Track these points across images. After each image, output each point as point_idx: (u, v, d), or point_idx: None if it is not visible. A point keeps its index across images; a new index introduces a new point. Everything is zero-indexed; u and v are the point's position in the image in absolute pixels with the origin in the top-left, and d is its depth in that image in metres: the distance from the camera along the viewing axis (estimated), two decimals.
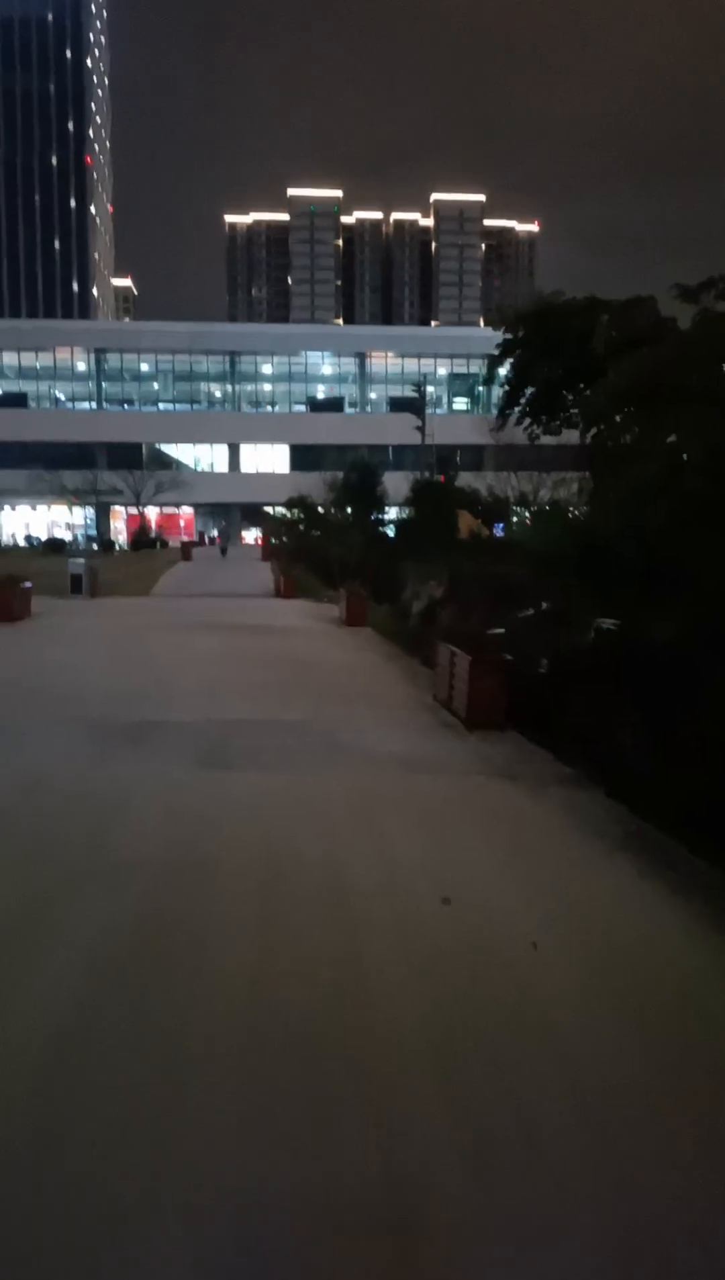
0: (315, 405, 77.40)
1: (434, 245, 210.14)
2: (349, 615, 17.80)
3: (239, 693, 10.62)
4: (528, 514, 30.94)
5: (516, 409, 11.53)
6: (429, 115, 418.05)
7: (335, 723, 9.07)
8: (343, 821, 6.06)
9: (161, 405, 77.89)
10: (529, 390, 11.35)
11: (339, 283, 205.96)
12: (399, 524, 41.23)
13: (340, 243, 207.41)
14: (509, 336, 11.28)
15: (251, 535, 71.86)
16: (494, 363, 11.65)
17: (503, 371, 11.67)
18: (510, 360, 11.48)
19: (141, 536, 62.25)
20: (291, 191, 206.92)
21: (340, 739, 8.41)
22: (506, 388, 11.58)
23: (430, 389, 63.74)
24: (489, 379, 11.87)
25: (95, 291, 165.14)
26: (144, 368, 77.64)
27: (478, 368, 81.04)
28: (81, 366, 77.21)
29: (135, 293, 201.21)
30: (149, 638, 15.67)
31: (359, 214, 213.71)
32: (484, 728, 8.90)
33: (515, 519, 31.92)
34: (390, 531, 39.26)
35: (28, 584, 19.96)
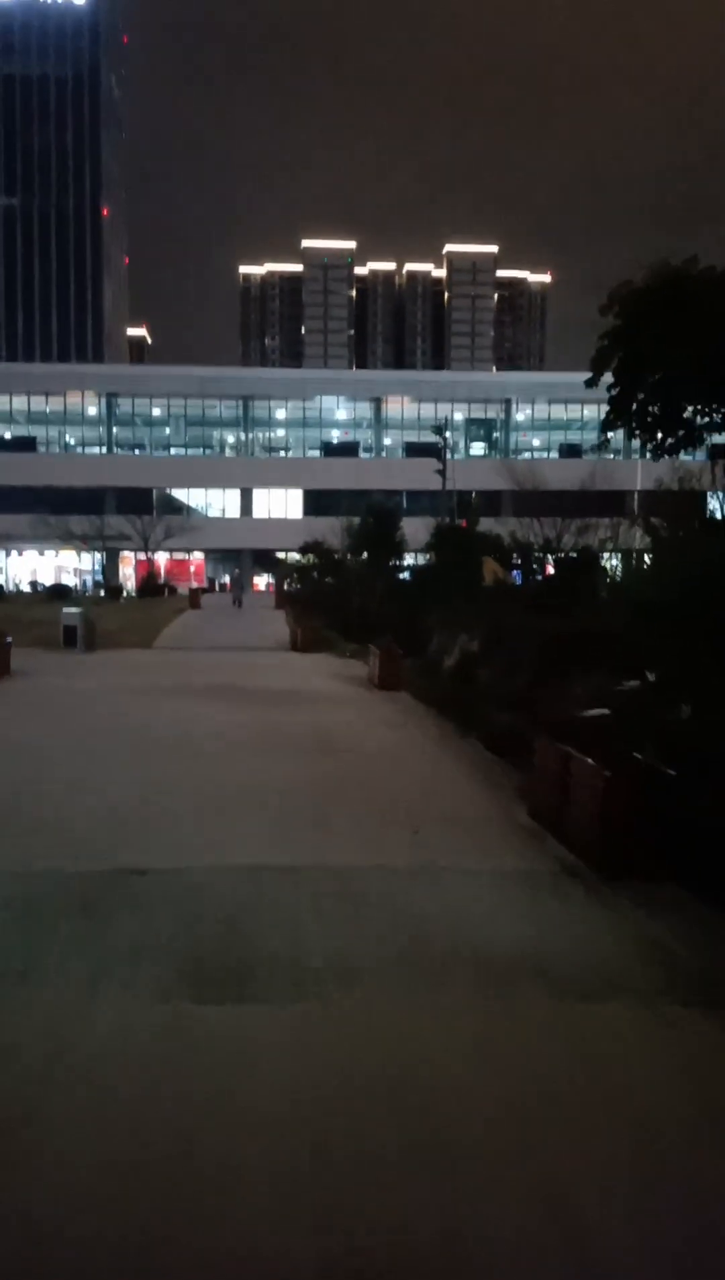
0: (329, 450, 75.39)
1: (447, 295, 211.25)
2: (382, 676, 14.84)
3: (256, 807, 7.67)
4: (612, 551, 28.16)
5: (623, 421, 8.77)
6: (441, 167, 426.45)
7: (404, 870, 6.07)
8: (490, 1164, 3.04)
9: (173, 450, 76.02)
10: (641, 395, 8.59)
11: (352, 332, 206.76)
12: (418, 571, 38.71)
13: (353, 293, 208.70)
14: (619, 323, 8.49)
15: (263, 581, 69.37)
16: (600, 361, 8.81)
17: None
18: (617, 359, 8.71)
19: (150, 583, 59.84)
20: (305, 243, 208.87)
21: (418, 907, 5.35)
22: (614, 393, 8.79)
23: (447, 434, 61.52)
24: (594, 381, 9.03)
25: (108, 339, 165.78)
26: (156, 412, 75.91)
27: (495, 412, 79.74)
28: (92, 410, 75.55)
29: (149, 341, 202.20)
30: (143, 709, 12.71)
31: (372, 265, 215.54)
32: (625, 874, 5.89)
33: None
34: (406, 578, 36.74)
35: (8, 638, 17.16)
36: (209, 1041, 3.72)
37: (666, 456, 9.21)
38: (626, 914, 5.35)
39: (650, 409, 8.82)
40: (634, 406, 8.89)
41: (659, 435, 8.80)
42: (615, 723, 8.93)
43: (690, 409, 8.36)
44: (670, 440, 8.76)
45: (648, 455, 9.17)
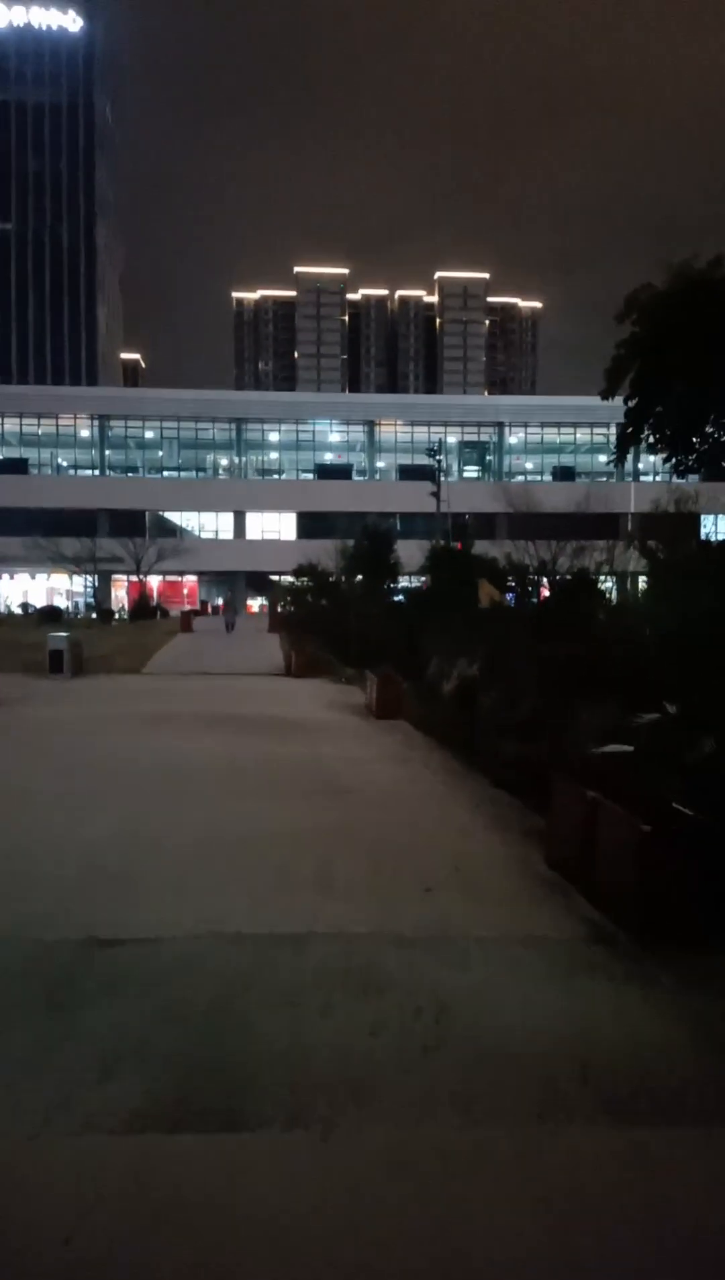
0: (323, 472, 75.06)
1: (438, 321, 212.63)
2: (381, 704, 14.15)
3: (251, 860, 6.91)
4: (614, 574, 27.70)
5: (642, 435, 8.14)
6: (433, 193, 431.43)
7: (421, 940, 5.29)
8: None
9: (166, 473, 75.59)
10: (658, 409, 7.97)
11: (345, 357, 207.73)
12: (414, 593, 38.16)
13: (346, 318, 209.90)
14: (637, 330, 7.88)
15: (257, 604, 68.76)
16: (616, 372, 8.18)
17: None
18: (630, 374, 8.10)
19: (141, 605, 59.16)
20: (298, 269, 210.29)
21: (438, 989, 4.57)
22: (631, 405, 8.16)
23: (439, 457, 61.28)
24: (609, 392, 8.40)
25: (102, 364, 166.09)
26: (149, 435, 75.55)
27: (488, 435, 79.59)
28: (85, 433, 75.17)
29: (143, 366, 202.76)
30: (128, 741, 11.97)
31: (365, 291, 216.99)
32: (666, 941, 5.17)
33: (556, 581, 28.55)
34: (401, 600, 36.19)
35: None
36: (182, 1190, 2.98)
37: (686, 476, 8.57)
38: (677, 995, 4.60)
39: (666, 425, 8.19)
40: (652, 420, 8.26)
41: (679, 452, 8.17)
42: (637, 761, 8.25)
43: (716, 422, 7.73)
44: (693, 457, 8.12)
45: (663, 475, 8.56)
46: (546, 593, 28.36)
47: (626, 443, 8.68)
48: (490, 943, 5.29)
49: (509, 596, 33.08)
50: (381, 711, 14.04)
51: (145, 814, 8.28)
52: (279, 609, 45.09)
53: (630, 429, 8.39)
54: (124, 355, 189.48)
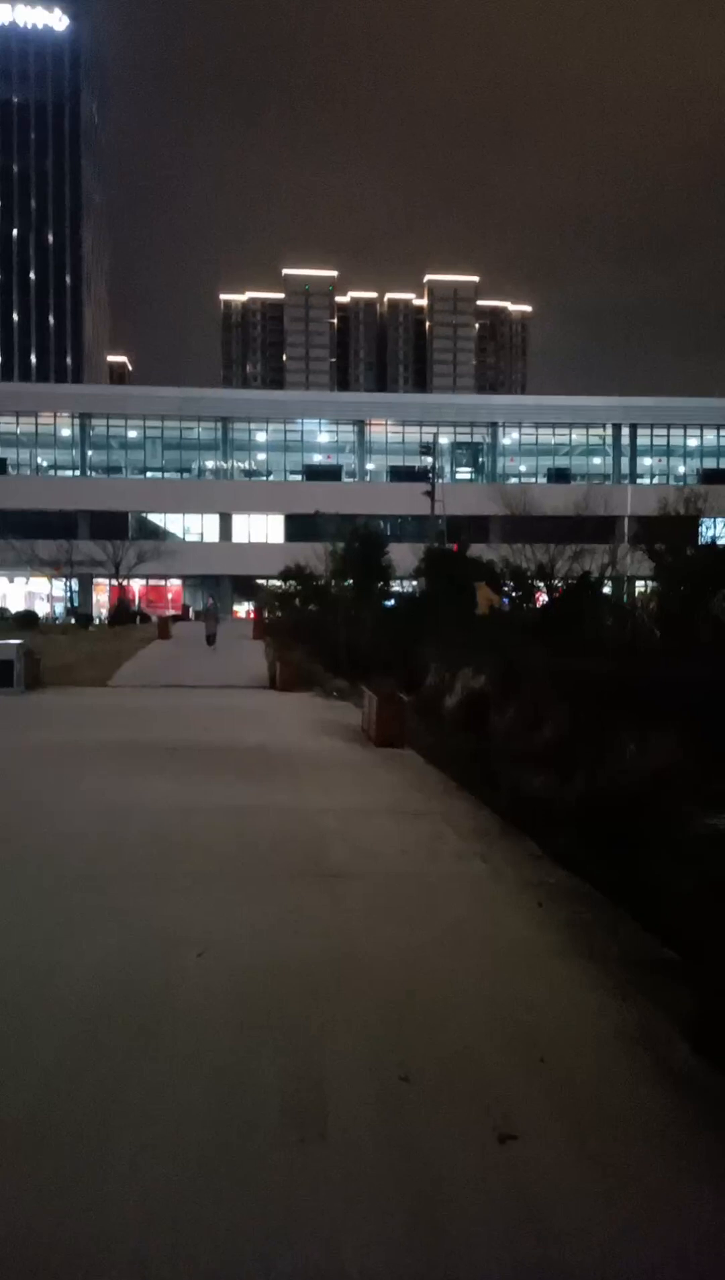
0: (311, 473, 72.91)
1: (428, 324, 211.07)
2: (381, 729, 11.90)
3: (185, 1043, 3.98)
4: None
5: None
6: (420, 198, 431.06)
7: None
8: None
9: (149, 474, 73.25)
10: None
11: (334, 360, 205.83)
12: (409, 598, 36.19)
13: (335, 321, 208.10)
14: None
15: (244, 609, 66.48)
16: None
17: None
18: None
19: (121, 610, 56.86)
20: (286, 271, 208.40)
21: None
22: None
23: (430, 459, 59.23)
24: None
25: (88, 366, 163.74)
26: (132, 434, 73.23)
27: (481, 436, 77.62)
28: (66, 432, 72.79)
29: (130, 368, 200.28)
30: (56, 785, 9.34)
31: (354, 293, 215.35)
32: None
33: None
34: (392, 605, 34.19)
35: None
36: None
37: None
38: None
39: None
40: None
41: None
42: None
43: None
44: None
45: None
46: (544, 598, 26.68)
47: None
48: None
49: (504, 601, 31.31)
50: (381, 738, 11.81)
51: (36, 925, 5.43)
52: (264, 615, 42.86)
53: None
54: (111, 358, 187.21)
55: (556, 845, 7.09)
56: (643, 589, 29.06)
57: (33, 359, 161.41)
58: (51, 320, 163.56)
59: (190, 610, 63.60)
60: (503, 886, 6.27)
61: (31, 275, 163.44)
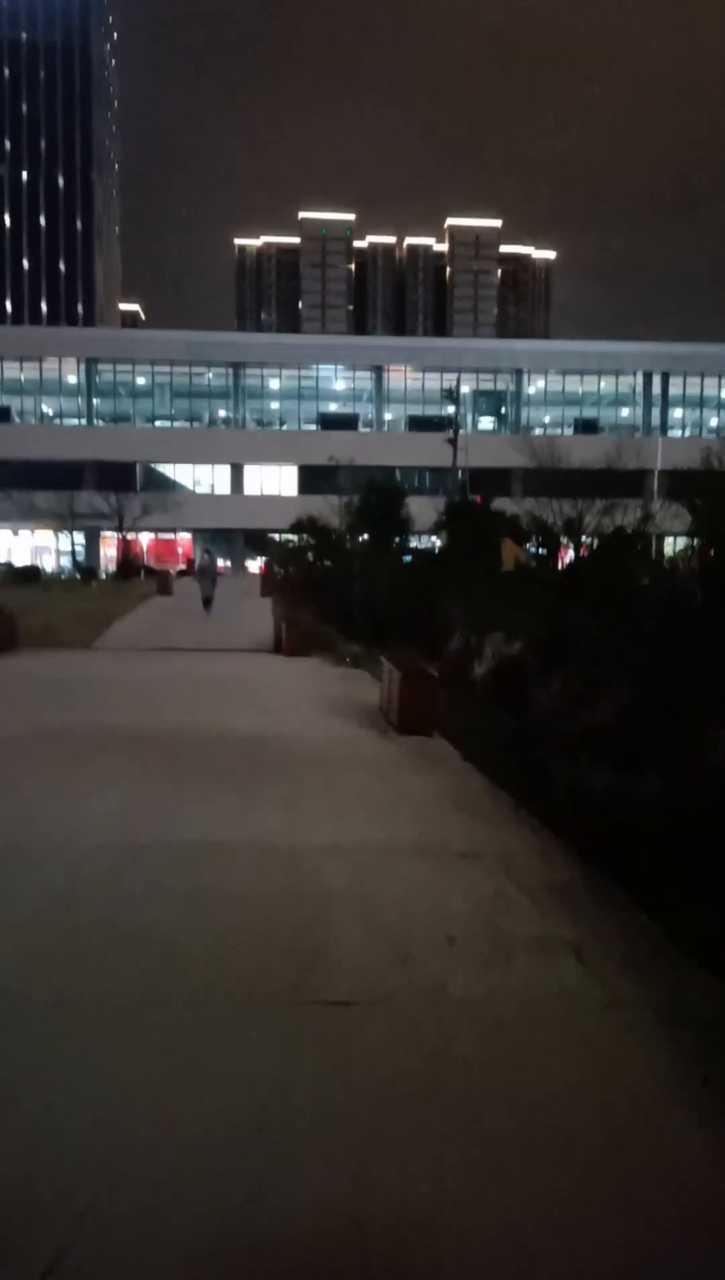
0: (327, 423, 69.69)
1: (448, 270, 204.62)
2: (405, 713, 9.46)
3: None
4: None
5: None
6: (444, 143, 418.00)
7: None
8: None
9: (158, 423, 70.26)
10: None
11: (350, 307, 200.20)
12: (429, 554, 33.69)
13: (352, 266, 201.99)
14: None
15: (255, 565, 63.94)
16: None
17: None
18: None
19: (127, 565, 54.50)
20: (303, 214, 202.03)
21: None
22: None
23: (452, 408, 55.88)
24: None
25: (100, 313, 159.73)
26: (140, 381, 70.10)
27: (504, 384, 73.97)
28: (71, 379, 69.74)
29: (142, 317, 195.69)
30: (7, 794, 7.32)
31: (372, 238, 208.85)
32: None
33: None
34: (409, 561, 31.74)
35: None
36: None
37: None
38: None
39: None
40: None
41: None
42: None
43: None
44: None
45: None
46: (570, 555, 24.37)
47: None
48: None
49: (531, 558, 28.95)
50: (405, 724, 9.37)
51: None
52: (275, 572, 40.26)
53: None
54: (123, 306, 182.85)
55: (668, 900, 4.64)
56: (672, 546, 26.79)
57: (43, 306, 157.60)
58: (62, 266, 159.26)
59: (192, 564, 61.09)
60: (622, 1019, 3.68)
61: (41, 220, 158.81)
